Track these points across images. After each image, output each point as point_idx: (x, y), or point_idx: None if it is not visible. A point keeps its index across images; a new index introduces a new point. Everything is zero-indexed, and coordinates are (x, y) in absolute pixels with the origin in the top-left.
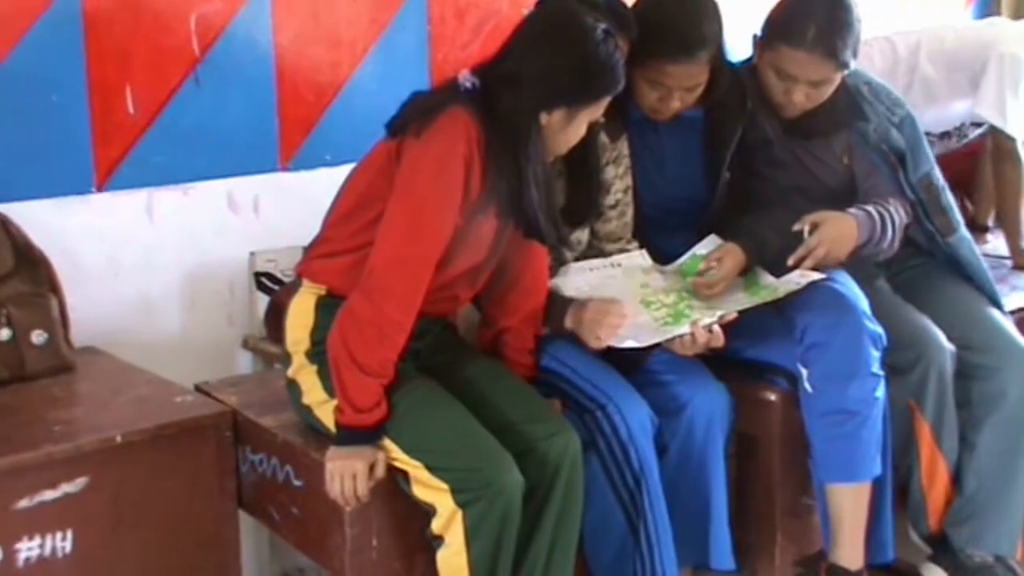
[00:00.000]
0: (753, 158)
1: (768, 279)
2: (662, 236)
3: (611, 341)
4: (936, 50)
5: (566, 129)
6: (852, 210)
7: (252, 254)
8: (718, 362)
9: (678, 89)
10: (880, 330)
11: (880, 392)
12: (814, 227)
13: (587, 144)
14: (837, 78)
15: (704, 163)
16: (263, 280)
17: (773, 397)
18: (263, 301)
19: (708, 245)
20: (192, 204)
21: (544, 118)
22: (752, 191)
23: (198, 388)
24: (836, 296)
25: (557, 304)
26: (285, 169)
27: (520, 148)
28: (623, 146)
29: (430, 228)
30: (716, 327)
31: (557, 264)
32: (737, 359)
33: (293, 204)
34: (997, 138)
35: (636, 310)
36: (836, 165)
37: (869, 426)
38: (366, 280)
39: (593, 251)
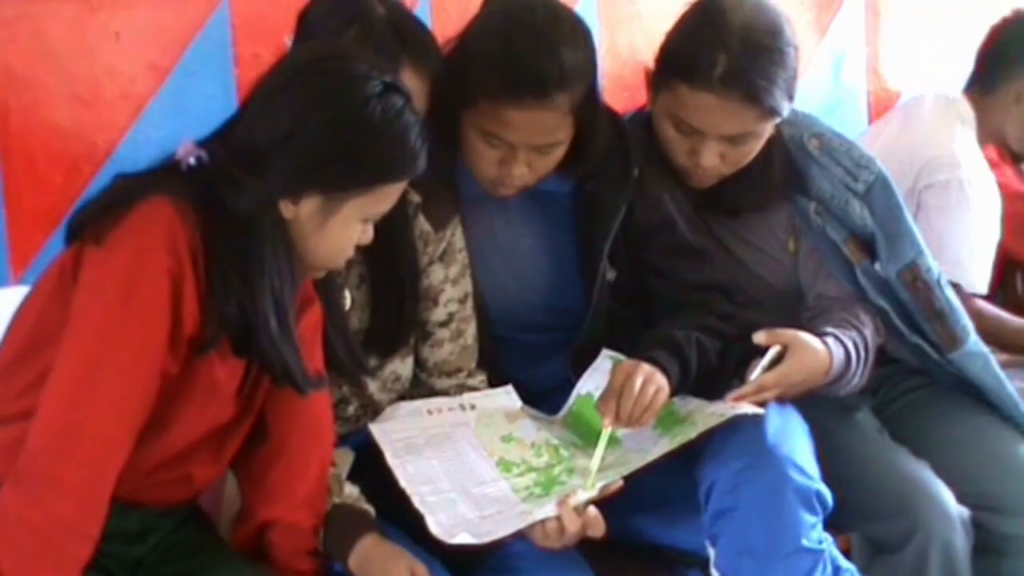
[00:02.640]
0: (648, 247)
1: (690, 405)
2: (524, 364)
3: (437, 532)
4: None
5: (323, 227)
6: (830, 340)
7: None
8: (603, 548)
9: (524, 148)
10: (817, 484)
11: (823, 569)
12: (782, 351)
13: (397, 235)
14: (764, 129)
15: (577, 257)
16: None
17: None
18: None
19: (600, 373)
20: None
21: (287, 209)
22: (652, 296)
23: None
24: (747, 434)
25: (344, 519)
26: (19, 282)
27: (250, 254)
28: (455, 236)
29: (113, 382)
30: (591, 509)
31: (361, 411)
32: (636, 542)
33: None
34: None
35: (491, 476)
36: (779, 253)
37: None
38: (21, 464)
39: (423, 390)
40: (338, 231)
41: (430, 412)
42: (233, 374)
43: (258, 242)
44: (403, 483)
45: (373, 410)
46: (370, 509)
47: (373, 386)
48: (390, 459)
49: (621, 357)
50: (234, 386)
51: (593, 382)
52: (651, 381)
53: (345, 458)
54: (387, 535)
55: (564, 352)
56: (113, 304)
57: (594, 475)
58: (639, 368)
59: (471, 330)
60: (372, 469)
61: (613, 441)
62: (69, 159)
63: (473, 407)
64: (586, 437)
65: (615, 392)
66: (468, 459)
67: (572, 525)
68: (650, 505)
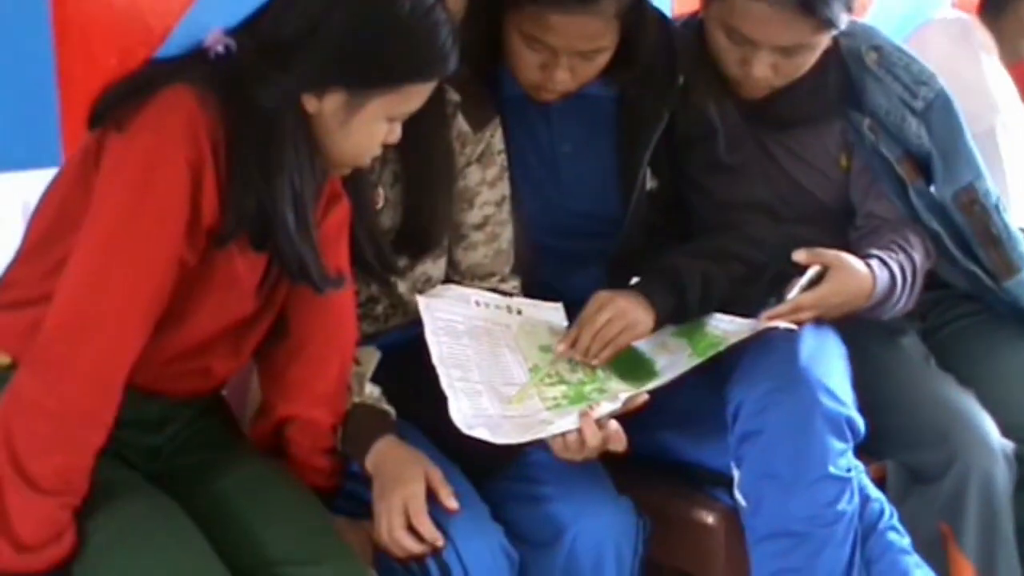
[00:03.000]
0: (688, 159)
1: (723, 325)
2: (559, 272)
3: (456, 418)
4: None
5: (347, 124)
6: (874, 263)
7: None
8: (626, 464)
9: (567, 53)
10: (848, 410)
11: (847, 504)
12: (822, 271)
13: (434, 133)
14: (819, 41)
15: (617, 164)
16: None
17: (711, 519)
18: None
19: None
20: None
21: (311, 104)
22: (691, 209)
23: None
24: (778, 355)
25: (363, 419)
26: None
27: (272, 148)
28: (494, 138)
29: (129, 268)
30: (612, 423)
31: (391, 311)
32: (662, 460)
33: None
34: None
35: (522, 379)
36: (829, 169)
37: (827, 557)
38: (37, 349)
39: None
40: (362, 129)
41: (477, 303)
42: (254, 268)
43: (280, 136)
44: (435, 360)
45: (403, 310)
46: (390, 410)
47: (403, 286)
48: (429, 334)
49: None
50: (255, 280)
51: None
52: (620, 318)
53: (370, 357)
54: (406, 438)
55: (600, 261)
56: (131, 191)
57: (616, 386)
58: (612, 302)
59: (506, 234)
60: (398, 370)
61: (649, 374)
62: (124, 42)
63: (520, 312)
64: (625, 366)
65: (582, 321)
66: (503, 359)
67: (593, 439)
68: (677, 422)
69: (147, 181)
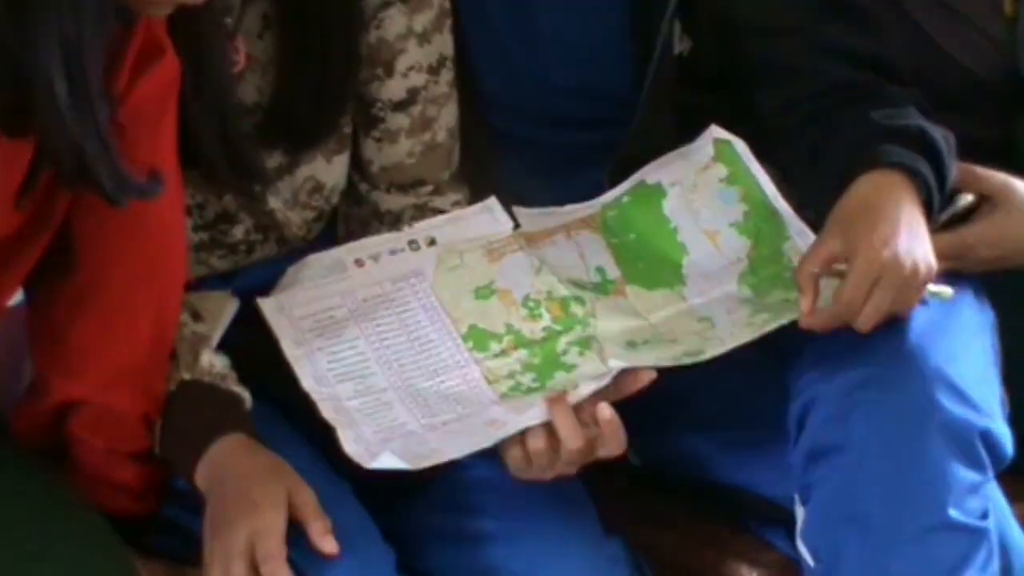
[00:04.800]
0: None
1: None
2: (539, 178)
3: (352, 451)
4: None
5: None
6: None
7: None
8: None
9: None
10: (988, 419)
11: (980, 570)
12: (976, 201)
13: None
14: None
15: (625, 14)
16: None
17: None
18: None
19: (693, 161)
20: None
21: None
22: (758, 76)
23: None
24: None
25: (195, 407)
26: None
27: None
28: None
29: None
30: (605, 410)
31: (258, 236)
32: (683, 480)
33: None
34: None
35: (453, 358)
36: (986, 20)
37: None
38: None
39: (363, 211)
40: None
41: (359, 263)
42: (11, 163)
43: None
44: (307, 386)
45: (278, 236)
46: (241, 393)
47: (276, 198)
48: (289, 351)
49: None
50: (13, 184)
51: (678, 171)
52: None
53: (218, 309)
54: (268, 438)
55: (602, 161)
56: None
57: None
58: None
59: (445, 119)
60: (262, 330)
61: (671, 279)
62: None
63: (432, 243)
64: (635, 264)
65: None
66: (419, 332)
67: (571, 438)
68: (712, 423)
69: None
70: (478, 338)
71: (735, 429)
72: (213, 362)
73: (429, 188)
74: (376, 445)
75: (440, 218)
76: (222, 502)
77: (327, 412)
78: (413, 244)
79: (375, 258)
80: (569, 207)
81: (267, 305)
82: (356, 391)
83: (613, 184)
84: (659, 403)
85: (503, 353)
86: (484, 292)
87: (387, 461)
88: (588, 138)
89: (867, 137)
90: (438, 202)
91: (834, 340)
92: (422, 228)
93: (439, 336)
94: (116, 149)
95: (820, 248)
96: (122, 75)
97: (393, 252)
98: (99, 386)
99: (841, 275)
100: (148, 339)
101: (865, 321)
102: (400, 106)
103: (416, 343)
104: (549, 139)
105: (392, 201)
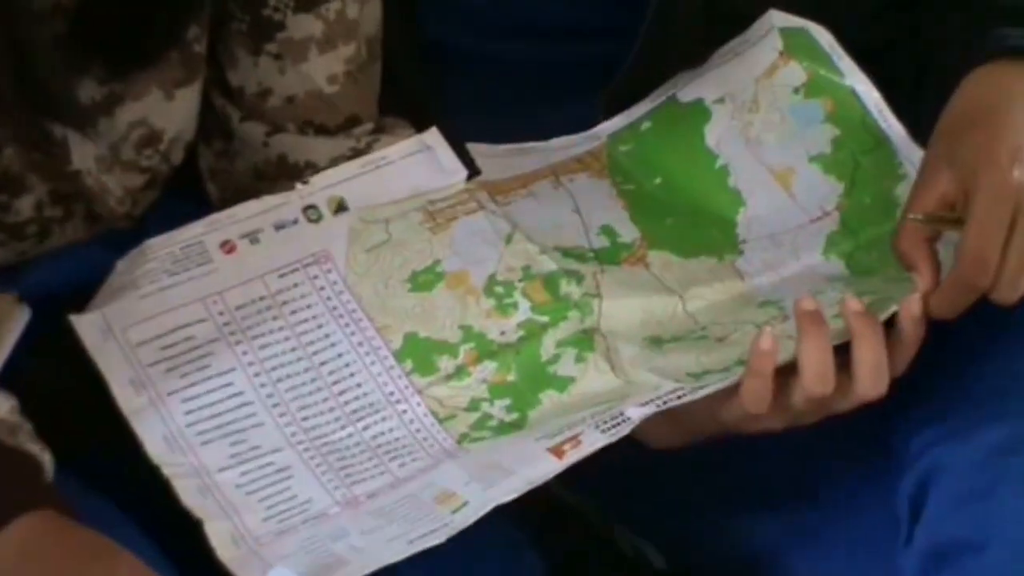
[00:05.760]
0: None
1: None
2: (511, 109)
3: (227, 558)
4: None
5: None
6: None
7: None
8: None
9: None
10: None
11: None
12: None
13: None
14: None
15: None
16: None
17: None
18: None
19: (750, 59)
20: None
21: None
22: None
23: None
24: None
25: None
26: None
27: None
28: None
29: None
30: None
31: (58, 213)
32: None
33: None
34: None
35: (381, 391)
36: None
37: None
38: None
39: (256, 163)
40: None
41: (228, 247)
42: None
43: None
44: (153, 455)
45: (86, 211)
46: (38, 453)
47: (84, 153)
48: (122, 398)
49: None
50: None
51: (727, 80)
52: None
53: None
54: (82, 511)
55: (593, 86)
56: None
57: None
58: None
59: (369, 24)
60: (70, 354)
61: (718, 243)
62: None
63: (341, 207)
64: (662, 221)
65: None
66: (327, 354)
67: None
68: (771, 503)
69: None
70: (419, 353)
71: (806, 510)
72: None
73: (367, 127)
74: (268, 546)
75: (349, 165)
76: None
77: (187, 495)
78: (311, 211)
79: (252, 237)
80: (557, 140)
81: (85, 325)
82: (233, 456)
83: (609, 116)
84: (687, 471)
85: (459, 372)
86: (426, 279)
87: None
88: (577, 53)
89: (978, 21)
90: (385, 149)
91: (965, 368)
92: (322, 183)
93: (358, 356)
94: None
95: (925, 185)
96: None
97: (280, 226)
98: None
99: (958, 223)
100: None
101: (1008, 285)
102: (307, 3)
103: (323, 370)
104: (520, 56)
105: (310, 149)
